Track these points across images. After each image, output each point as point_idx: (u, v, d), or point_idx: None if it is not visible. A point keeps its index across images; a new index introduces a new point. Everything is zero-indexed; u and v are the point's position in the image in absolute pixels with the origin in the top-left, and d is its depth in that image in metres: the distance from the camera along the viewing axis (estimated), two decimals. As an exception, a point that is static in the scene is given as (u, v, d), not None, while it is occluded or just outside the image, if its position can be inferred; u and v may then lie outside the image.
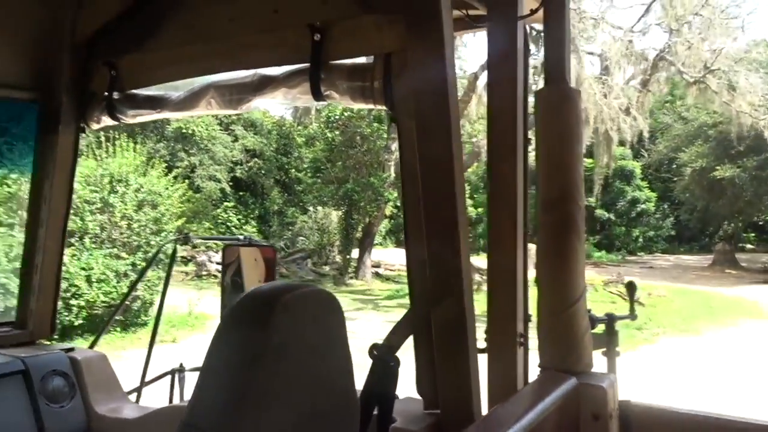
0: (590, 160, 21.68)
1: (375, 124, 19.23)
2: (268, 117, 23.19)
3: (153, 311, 12.16)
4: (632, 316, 2.01)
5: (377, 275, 20.27)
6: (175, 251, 3.43)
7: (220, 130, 20.49)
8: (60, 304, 9.93)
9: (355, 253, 20.65)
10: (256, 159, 21.08)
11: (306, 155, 23.13)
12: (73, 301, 10.70)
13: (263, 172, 21.18)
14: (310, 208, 22.10)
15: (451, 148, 1.59)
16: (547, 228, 1.79)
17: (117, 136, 13.62)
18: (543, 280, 1.81)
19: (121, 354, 8.78)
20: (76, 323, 10.71)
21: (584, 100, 16.96)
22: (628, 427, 1.59)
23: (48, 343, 2.61)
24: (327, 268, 20.80)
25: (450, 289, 1.64)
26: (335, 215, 21.70)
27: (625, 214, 31.25)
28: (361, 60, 1.83)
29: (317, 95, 1.84)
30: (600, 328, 1.96)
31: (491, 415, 1.49)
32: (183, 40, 2.12)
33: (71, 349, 2.48)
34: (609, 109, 17.63)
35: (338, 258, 21.49)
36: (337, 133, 19.93)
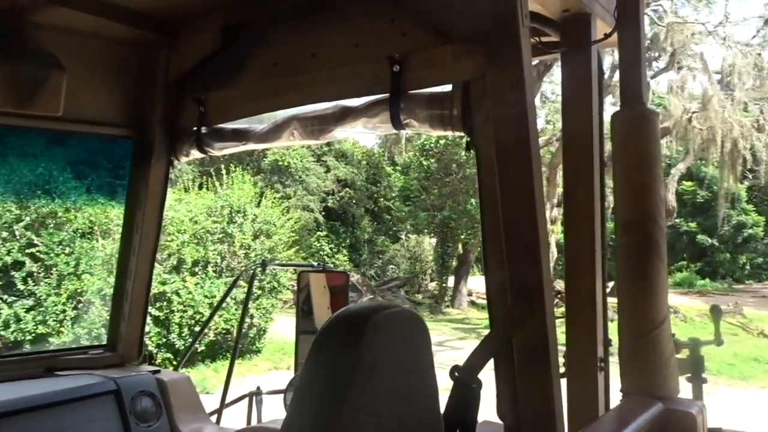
0: (689, 183, 20.62)
1: (471, 151, 19.07)
2: (358, 147, 23.58)
3: (267, 338, 12.51)
4: (718, 341, 1.93)
5: (473, 303, 19.96)
6: (253, 278, 3.58)
7: (313, 161, 21.02)
8: (186, 331, 10.52)
9: (449, 281, 20.43)
10: (347, 189, 21.47)
11: (395, 184, 23.30)
12: (196, 329, 11.02)
13: (354, 201, 21.54)
14: (402, 236, 22.13)
15: (531, 172, 1.62)
16: (626, 249, 1.77)
17: (233, 170, 14.16)
18: (624, 302, 1.79)
19: (241, 380, 9.04)
20: (199, 349, 11.04)
21: (711, 119, 16.21)
22: None
23: (136, 365, 2.74)
24: (420, 296, 20.70)
25: (532, 313, 1.63)
26: (427, 243, 21.58)
27: (730, 239, 29.29)
28: (439, 89, 1.88)
29: (397, 124, 1.92)
30: (684, 352, 1.89)
31: None
32: (267, 76, 2.23)
33: (158, 371, 2.60)
34: (741, 127, 16.58)
35: (431, 286, 21.34)
36: (432, 161, 19.94)
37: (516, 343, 1.71)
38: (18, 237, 9.66)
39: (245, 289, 11.86)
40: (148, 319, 9.94)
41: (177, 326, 10.68)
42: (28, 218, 9.80)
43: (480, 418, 1.84)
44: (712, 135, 16.54)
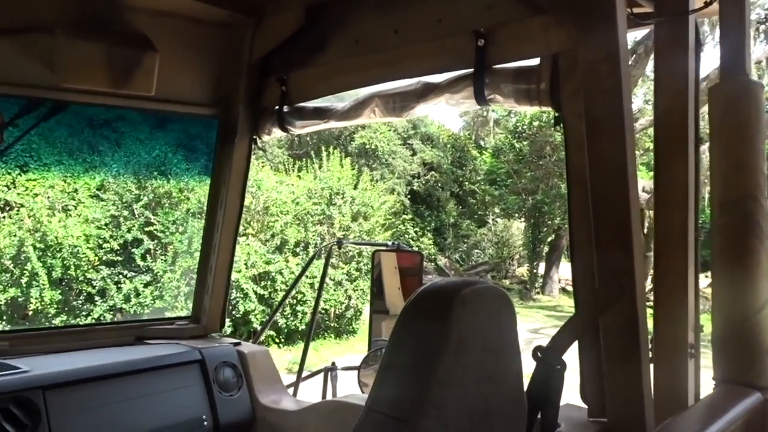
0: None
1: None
2: (444, 130, 23.25)
3: (363, 319, 12.60)
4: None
5: (564, 290, 19.38)
6: (329, 255, 3.54)
7: (400, 144, 20.90)
8: (288, 310, 10.82)
9: (539, 267, 19.90)
10: (432, 172, 21.21)
11: (481, 167, 22.83)
12: (299, 307, 11.26)
13: (439, 184, 21.24)
14: (489, 220, 21.71)
15: (625, 149, 1.53)
16: (723, 231, 1.63)
17: (331, 152, 14.38)
18: (719, 287, 1.65)
19: (339, 360, 9.23)
20: (300, 328, 11.29)
21: None
22: None
23: (218, 336, 2.78)
24: (507, 281, 20.29)
25: (621, 294, 1.52)
26: (515, 227, 21.03)
27: None
28: (526, 63, 1.80)
29: (480, 99, 1.84)
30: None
31: (667, 425, 1.35)
32: (349, 53, 2.20)
33: (238, 343, 2.62)
34: None
35: (518, 271, 20.81)
36: (525, 143, 19.36)
37: (603, 326, 1.61)
38: (137, 216, 10.09)
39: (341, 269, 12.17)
40: (253, 297, 10.46)
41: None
42: (145, 198, 10.20)
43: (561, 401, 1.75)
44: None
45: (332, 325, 12.24)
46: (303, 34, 2.32)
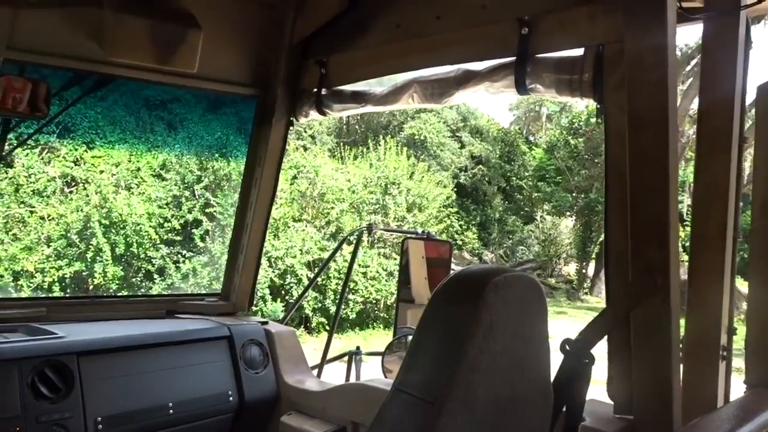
0: None
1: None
2: (494, 124, 22.85)
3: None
4: None
5: (608, 289, 18.82)
6: (359, 242, 3.54)
7: (449, 136, 20.61)
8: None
9: (588, 267, 19.40)
10: (480, 166, 20.85)
11: (530, 163, 22.34)
12: (350, 296, 11.23)
13: (486, 179, 20.86)
14: (537, 217, 21.29)
15: (667, 144, 1.50)
16: (763, 232, 1.55)
17: (387, 142, 14.35)
18: (756, 289, 1.59)
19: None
20: (350, 317, 11.30)
21: None
22: None
23: (246, 314, 2.80)
24: (553, 280, 19.81)
25: (655, 288, 1.48)
26: (564, 226, 20.54)
27: None
28: (568, 53, 1.76)
29: (521, 88, 1.82)
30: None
31: (695, 425, 1.32)
32: (390, 39, 2.18)
33: (266, 323, 2.64)
34: None
35: (564, 270, 20.32)
36: (580, 140, 18.91)
37: (634, 321, 1.57)
38: (197, 197, 10.23)
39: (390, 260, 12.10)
40: (305, 282, 10.49)
41: (332, 292, 10.92)
42: (206, 180, 10.32)
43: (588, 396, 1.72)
44: None
45: (382, 315, 12.19)
46: (344, 18, 2.32)
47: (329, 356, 3.04)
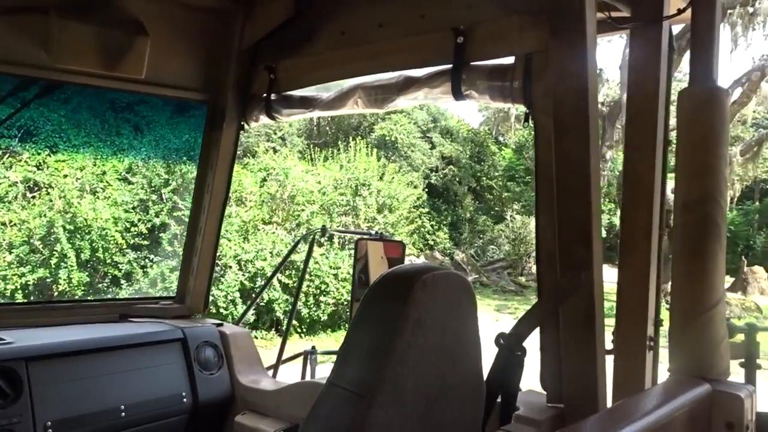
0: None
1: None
2: (464, 125, 23.11)
3: None
4: (775, 327, 1.75)
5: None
6: (313, 242, 3.59)
7: (419, 137, 20.80)
8: (311, 300, 10.80)
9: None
10: (450, 166, 21.06)
11: (500, 163, 22.61)
12: (321, 298, 11.25)
13: (457, 179, 21.09)
14: (507, 217, 21.54)
15: (589, 147, 1.60)
16: (684, 229, 1.67)
17: (357, 143, 14.41)
18: (678, 282, 1.69)
19: None
20: (322, 318, 11.32)
21: None
22: None
23: (202, 317, 2.82)
24: (523, 279, 20.00)
25: (581, 283, 1.58)
26: (533, 225, 20.76)
27: None
28: (501, 61, 1.85)
29: (457, 95, 1.91)
30: (738, 337, 1.74)
31: (616, 407, 1.41)
32: (335, 45, 2.25)
33: (221, 324, 2.66)
34: None
35: (534, 269, 20.54)
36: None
37: (562, 315, 1.67)
38: (165, 200, 10.23)
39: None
40: (277, 286, 10.52)
41: (304, 295, 10.91)
42: (174, 183, 10.32)
43: (525, 387, 1.81)
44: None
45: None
46: (292, 25, 2.37)
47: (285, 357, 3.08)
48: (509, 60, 1.80)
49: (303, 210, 12.09)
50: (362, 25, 2.15)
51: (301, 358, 3.00)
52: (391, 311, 1.22)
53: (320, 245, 11.65)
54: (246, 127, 2.70)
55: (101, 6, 2.20)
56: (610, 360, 1.83)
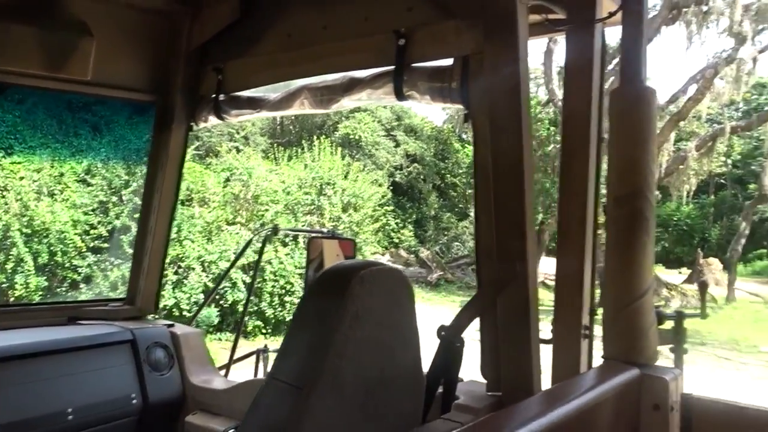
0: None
1: (552, 128, 18.35)
2: (427, 122, 23.29)
3: None
4: (703, 314, 1.87)
5: (543, 284, 19.27)
6: (265, 242, 3.58)
7: (384, 135, 20.91)
8: (276, 300, 10.69)
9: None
10: (415, 164, 21.20)
11: (463, 160, 22.84)
12: (287, 298, 11.20)
13: (421, 177, 21.25)
14: (471, 214, 21.72)
15: (522, 145, 1.65)
16: (616, 223, 1.75)
17: (321, 142, 14.37)
18: (610, 273, 1.77)
19: None
20: (287, 318, 11.24)
21: None
22: (689, 419, 1.55)
23: (152, 318, 2.81)
24: (488, 275, 20.17)
25: (516, 276, 1.64)
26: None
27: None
28: (441, 62, 1.90)
29: (400, 95, 1.95)
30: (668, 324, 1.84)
31: (549, 391, 1.49)
32: (282, 47, 2.28)
33: (172, 325, 2.66)
34: None
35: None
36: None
37: (500, 306, 1.73)
38: (125, 202, 10.08)
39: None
40: (241, 287, 10.41)
41: (269, 295, 10.87)
42: (135, 184, 10.14)
43: (468, 377, 1.88)
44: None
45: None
46: (239, 26, 2.38)
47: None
48: (448, 62, 1.85)
49: (267, 210, 12.03)
50: (308, 27, 2.18)
51: (254, 357, 3.01)
52: (329, 306, 1.26)
53: (285, 245, 11.62)
54: (195, 127, 2.71)
55: (45, 7, 2.19)
56: (549, 348, 1.91)
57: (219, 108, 2.52)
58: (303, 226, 12.46)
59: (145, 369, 2.39)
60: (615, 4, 1.88)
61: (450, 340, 1.74)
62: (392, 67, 1.94)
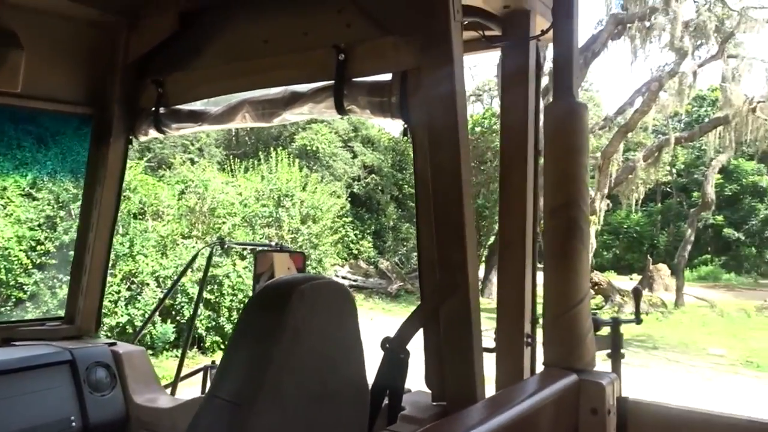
0: (717, 176, 19.84)
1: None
2: (384, 133, 23.41)
3: None
4: (637, 320, 1.93)
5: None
6: (211, 257, 3.54)
7: (341, 146, 20.89)
8: (235, 315, 10.45)
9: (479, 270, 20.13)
10: (373, 175, 21.23)
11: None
12: None
13: (379, 188, 21.27)
14: (430, 224, 21.79)
15: (460, 157, 1.68)
16: (552, 233, 1.80)
17: (279, 153, 14.24)
18: (548, 282, 1.82)
19: None
20: None
21: None
22: (624, 422, 1.59)
23: (93, 337, 2.73)
24: (446, 285, 20.32)
25: (457, 287, 1.67)
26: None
27: (757, 233, 28.31)
28: (380, 77, 1.92)
29: (340, 109, 1.97)
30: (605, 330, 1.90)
31: (491, 398, 1.51)
32: (222, 60, 2.27)
33: (114, 344, 2.60)
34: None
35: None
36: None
37: (442, 317, 1.75)
38: (74, 217, 9.76)
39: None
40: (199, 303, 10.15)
41: (227, 309, 10.65)
42: None
43: (414, 387, 1.89)
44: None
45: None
46: (178, 39, 2.36)
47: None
48: (388, 77, 1.87)
49: (224, 222, 11.84)
50: (248, 41, 2.17)
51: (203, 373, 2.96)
52: (269, 321, 1.26)
53: (243, 258, 11.45)
54: (135, 141, 2.66)
55: None
56: (493, 357, 1.94)
57: (159, 121, 2.48)
58: (261, 238, 12.31)
59: (85, 390, 2.32)
60: (547, 21, 1.95)
61: (395, 351, 1.75)
62: (333, 81, 1.95)
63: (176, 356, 9.85)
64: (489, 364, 1.86)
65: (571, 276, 1.74)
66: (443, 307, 1.74)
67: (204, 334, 10.44)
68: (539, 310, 1.91)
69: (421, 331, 1.80)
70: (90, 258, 2.67)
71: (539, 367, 1.90)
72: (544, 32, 1.91)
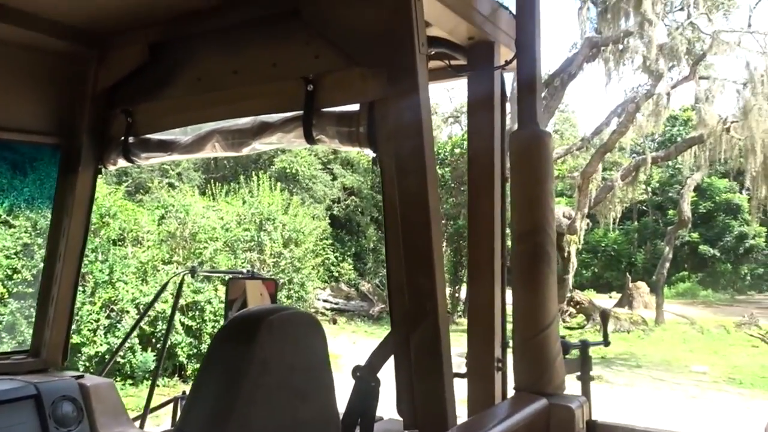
0: (692, 194, 20.15)
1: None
2: (364, 156, 23.44)
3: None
4: (605, 342, 1.95)
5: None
6: (181, 285, 3.51)
7: (320, 168, 20.87)
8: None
9: (461, 291, 20.09)
10: (352, 197, 21.22)
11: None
12: None
13: (359, 209, 21.24)
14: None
15: (427, 184, 1.69)
16: (520, 258, 1.82)
17: (260, 177, 14.15)
18: (517, 306, 1.84)
19: None
20: None
21: (753, 128, 16.05)
22: None
23: (60, 370, 2.68)
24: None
25: (426, 313, 1.67)
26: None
27: (731, 250, 28.73)
28: (349, 108, 1.94)
29: (309, 139, 1.98)
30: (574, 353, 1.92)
31: (463, 425, 1.51)
32: (191, 91, 2.27)
33: (81, 377, 2.55)
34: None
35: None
36: (447, 169, 19.78)
37: (412, 344, 1.75)
38: (52, 244, 9.64)
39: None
40: (180, 329, 10.01)
41: (209, 336, 10.40)
42: None
43: (386, 416, 1.89)
44: (751, 145, 16.24)
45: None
46: (148, 69, 2.36)
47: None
48: (355, 107, 1.90)
49: (206, 248, 11.69)
50: (217, 71, 2.19)
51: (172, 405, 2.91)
52: (237, 353, 1.25)
53: (225, 284, 11.24)
54: (104, 170, 2.65)
55: None
56: (464, 382, 1.95)
57: (128, 151, 2.47)
58: (243, 263, 12.16)
59: (50, 425, 2.27)
60: (511, 52, 2.00)
61: (366, 379, 1.75)
62: (302, 111, 1.97)
63: (157, 385, 9.65)
64: (461, 385, 1.86)
65: (539, 300, 1.76)
66: (413, 334, 1.75)
67: (185, 361, 10.24)
68: (510, 334, 1.92)
69: (391, 359, 1.80)
70: (57, 289, 2.62)
71: (510, 392, 1.92)
72: (508, 62, 1.96)
